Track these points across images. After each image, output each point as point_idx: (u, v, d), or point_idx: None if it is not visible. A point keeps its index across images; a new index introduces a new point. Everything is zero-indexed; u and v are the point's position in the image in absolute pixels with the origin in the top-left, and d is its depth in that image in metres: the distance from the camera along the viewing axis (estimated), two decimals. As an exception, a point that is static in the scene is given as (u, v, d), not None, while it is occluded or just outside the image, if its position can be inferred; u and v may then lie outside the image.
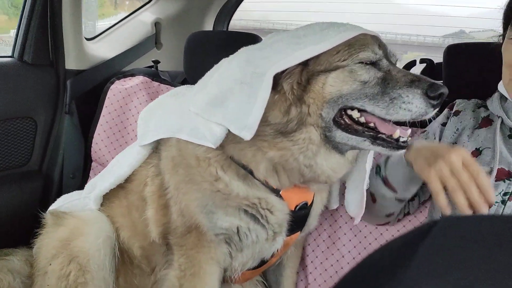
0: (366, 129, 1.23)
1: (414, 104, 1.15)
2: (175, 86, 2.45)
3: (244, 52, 1.35)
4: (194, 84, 1.59)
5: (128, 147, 1.83)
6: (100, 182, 1.74)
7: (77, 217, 1.67)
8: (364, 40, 1.23)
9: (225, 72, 1.33)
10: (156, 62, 2.67)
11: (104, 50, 2.64)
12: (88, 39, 2.57)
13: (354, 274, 0.48)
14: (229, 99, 1.24)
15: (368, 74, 1.19)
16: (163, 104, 1.69)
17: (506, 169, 1.42)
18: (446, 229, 0.45)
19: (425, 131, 1.72)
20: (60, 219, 1.71)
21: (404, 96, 1.15)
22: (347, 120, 1.23)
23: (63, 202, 1.82)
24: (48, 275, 1.61)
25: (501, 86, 1.50)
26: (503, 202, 1.39)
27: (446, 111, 1.68)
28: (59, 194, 2.29)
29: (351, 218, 1.88)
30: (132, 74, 2.48)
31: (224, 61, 1.41)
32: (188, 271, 1.43)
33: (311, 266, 1.93)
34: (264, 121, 1.20)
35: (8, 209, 2.07)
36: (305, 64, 1.22)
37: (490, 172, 1.43)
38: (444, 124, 1.64)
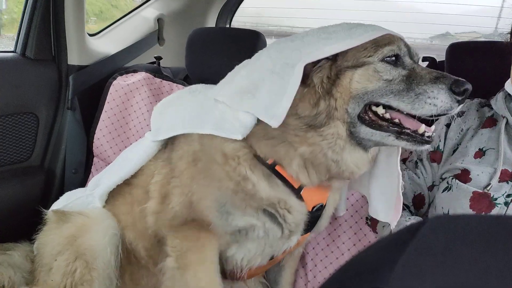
0: (391, 124, 1.24)
1: (439, 99, 1.16)
2: (177, 82, 2.45)
3: (275, 44, 1.37)
4: (195, 81, 1.59)
5: (135, 142, 1.81)
6: (106, 178, 1.73)
7: (84, 214, 1.66)
8: (390, 38, 1.25)
9: (255, 63, 1.35)
10: (159, 58, 2.67)
11: (106, 45, 2.65)
12: (90, 35, 2.58)
13: (339, 273, 0.47)
14: (259, 89, 1.25)
15: (392, 74, 1.22)
16: (180, 99, 1.68)
17: (510, 170, 1.41)
18: (435, 229, 0.45)
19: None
20: (65, 216, 1.70)
21: (429, 92, 1.17)
22: (371, 116, 1.25)
23: (66, 202, 1.80)
24: (53, 270, 1.60)
25: (508, 85, 1.47)
26: (506, 204, 1.38)
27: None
28: (61, 190, 2.30)
29: (351, 216, 1.88)
30: (134, 70, 2.48)
31: (250, 60, 1.42)
32: (188, 249, 1.40)
33: (311, 263, 1.93)
34: (293, 114, 1.23)
35: (9, 204, 2.07)
36: (334, 59, 1.25)
37: (494, 173, 1.42)
38: (448, 125, 1.62)
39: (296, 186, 1.36)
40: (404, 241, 0.43)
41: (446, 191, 1.53)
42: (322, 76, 1.24)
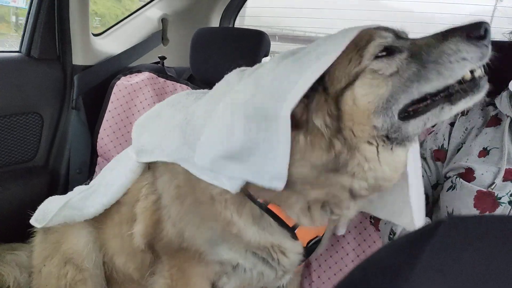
0: (433, 97, 1.01)
1: (463, 50, 0.96)
2: (181, 82, 2.46)
3: (249, 85, 1.13)
4: (199, 80, 1.57)
5: (116, 158, 1.72)
6: (90, 206, 1.62)
7: (67, 224, 1.67)
8: (367, 34, 1.06)
9: (232, 109, 1.10)
10: (163, 58, 2.68)
11: (111, 45, 2.65)
12: (95, 35, 2.58)
13: (358, 272, 0.48)
14: (251, 154, 1.04)
15: (395, 63, 1.01)
16: (161, 115, 1.56)
17: None
18: (452, 228, 0.45)
19: (433, 131, 1.71)
20: (52, 223, 1.69)
21: (447, 50, 0.96)
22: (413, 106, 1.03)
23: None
24: (45, 275, 1.64)
25: None
26: (510, 203, 1.38)
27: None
28: (65, 189, 2.31)
29: (355, 215, 1.88)
30: (138, 70, 2.49)
31: (231, 82, 1.25)
32: (180, 281, 1.38)
33: (315, 263, 1.92)
34: (306, 166, 1.06)
35: (14, 203, 2.08)
36: (323, 90, 1.06)
37: (498, 172, 1.42)
38: (452, 124, 1.62)
39: (290, 225, 1.23)
40: (423, 241, 0.43)
41: (451, 190, 1.53)
42: (323, 115, 1.04)
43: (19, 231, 1.85)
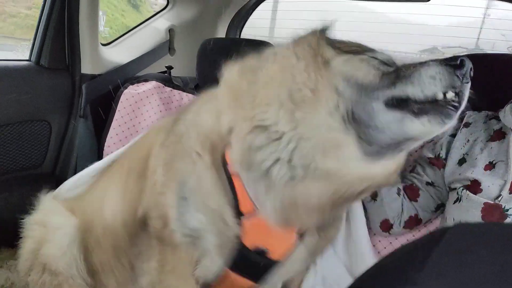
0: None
1: (434, 71, 0.99)
2: (187, 91, 2.48)
3: None
4: (205, 89, 1.55)
5: None
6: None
7: (43, 226, 1.69)
8: None
9: None
10: (169, 67, 2.71)
11: (119, 55, 2.69)
12: (103, 44, 2.62)
13: (367, 275, 0.49)
14: None
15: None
16: None
17: None
18: (459, 235, 0.46)
19: (432, 141, 1.72)
20: (28, 231, 1.73)
21: (421, 70, 1.00)
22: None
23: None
24: (30, 284, 1.64)
25: None
26: None
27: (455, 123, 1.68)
28: (71, 196, 2.32)
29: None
30: (145, 79, 2.52)
31: None
32: (166, 267, 1.35)
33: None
34: None
35: (20, 210, 2.08)
36: None
37: (504, 185, 1.43)
38: (453, 136, 1.64)
39: (243, 210, 1.14)
40: (430, 245, 0.44)
41: (457, 202, 1.54)
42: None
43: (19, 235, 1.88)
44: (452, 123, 1.01)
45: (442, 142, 1.67)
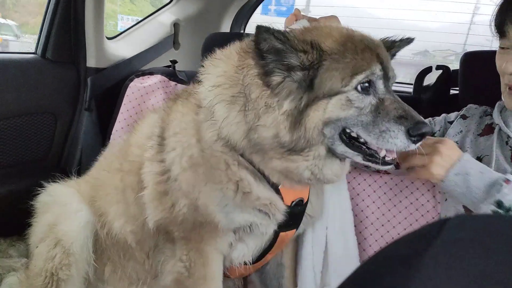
0: (360, 144, 1.35)
1: (398, 139, 1.28)
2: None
3: None
4: None
5: None
6: None
7: (62, 205, 1.77)
8: (367, 62, 1.29)
9: None
10: (174, 62, 2.72)
11: (124, 49, 2.71)
12: (108, 38, 2.63)
13: (371, 262, 0.50)
14: None
15: (364, 102, 1.30)
16: None
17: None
18: (459, 225, 0.48)
19: (434, 119, 1.80)
20: (48, 206, 1.81)
21: (391, 131, 1.28)
22: (346, 137, 1.36)
23: None
24: (35, 256, 1.71)
25: (504, 94, 1.55)
26: (498, 206, 1.42)
27: (457, 113, 1.76)
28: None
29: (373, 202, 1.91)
30: (150, 72, 2.53)
31: None
32: (198, 261, 1.51)
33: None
34: (275, 135, 1.31)
35: (27, 201, 2.11)
36: (310, 87, 1.28)
37: None
38: (450, 122, 1.74)
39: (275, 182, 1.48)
40: (431, 235, 0.46)
41: (446, 200, 1.66)
42: (293, 105, 1.28)
43: (26, 226, 1.91)
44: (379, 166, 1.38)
45: (441, 125, 1.76)
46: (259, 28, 1.21)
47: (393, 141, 1.28)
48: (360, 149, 1.35)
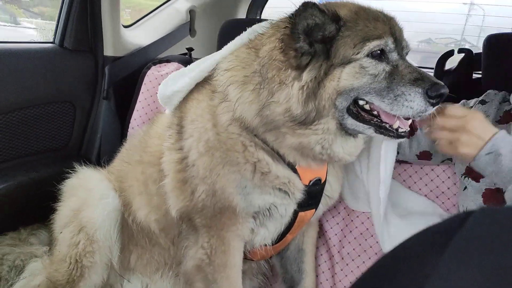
0: (372, 117, 1.34)
1: (415, 103, 1.25)
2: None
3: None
4: None
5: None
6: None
7: (88, 190, 1.79)
8: (379, 32, 1.30)
9: None
10: (190, 49, 2.71)
11: (140, 37, 2.71)
12: (125, 26, 2.64)
13: (387, 258, 0.49)
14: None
15: (377, 68, 1.29)
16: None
17: None
18: (481, 219, 0.46)
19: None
20: (75, 189, 1.84)
21: (406, 94, 1.26)
22: (358, 109, 1.35)
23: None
24: (59, 242, 1.75)
25: None
26: None
27: (476, 99, 1.72)
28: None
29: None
30: (167, 60, 2.53)
31: None
32: (219, 248, 1.54)
33: (338, 256, 1.94)
34: (287, 110, 1.34)
35: (46, 188, 2.15)
36: (327, 57, 1.31)
37: None
38: (470, 108, 1.68)
39: (291, 161, 1.50)
40: (451, 230, 0.44)
41: (464, 190, 1.60)
42: (313, 75, 1.30)
43: (47, 213, 1.95)
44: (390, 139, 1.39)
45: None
46: (307, 4, 1.25)
47: (409, 104, 1.25)
48: (370, 122, 1.34)
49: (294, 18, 1.28)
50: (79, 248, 1.67)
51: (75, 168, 1.94)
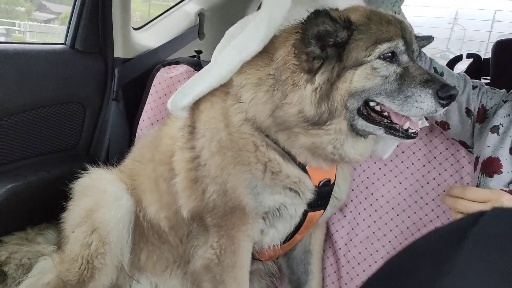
0: (382, 118, 1.37)
1: (425, 103, 1.27)
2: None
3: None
4: None
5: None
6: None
7: (102, 191, 1.81)
8: (390, 34, 1.33)
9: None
10: (199, 52, 2.73)
11: (149, 39, 2.73)
12: (135, 29, 2.66)
13: (404, 255, 0.50)
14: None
15: (388, 70, 1.32)
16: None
17: None
18: (495, 218, 0.46)
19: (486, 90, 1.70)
20: (88, 189, 1.85)
21: (417, 95, 1.28)
22: (368, 110, 1.37)
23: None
24: (71, 241, 1.76)
25: None
26: None
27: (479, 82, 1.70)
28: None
29: (387, 202, 1.89)
30: (177, 62, 2.55)
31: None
32: (228, 248, 1.55)
33: (344, 259, 1.94)
34: (300, 111, 1.37)
35: (55, 187, 2.17)
36: (339, 60, 1.34)
37: None
38: (504, 102, 1.62)
39: (302, 162, 1.52)
40: (466, 228, 0.45)
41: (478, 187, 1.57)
42: (325, 77, 1.33)
43: (56, 212, 1.97)
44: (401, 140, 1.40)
45: (495, 102, 1.63)
46: (318, 12, 1.27)
47: (419, 105, 1.28)
48: (380, 123, 1.36)
49: (305, 24, 1.30)
50: (91, 249, 1.68)
51: (84, 168, 1.96)
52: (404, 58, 1.35)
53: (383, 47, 1.31)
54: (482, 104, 1.65)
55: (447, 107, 1.30)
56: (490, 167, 1.48)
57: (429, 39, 1.59)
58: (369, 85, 1.32)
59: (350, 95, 1.33)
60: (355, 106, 1.35)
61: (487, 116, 1.63)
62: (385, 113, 1.36)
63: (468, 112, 1.66)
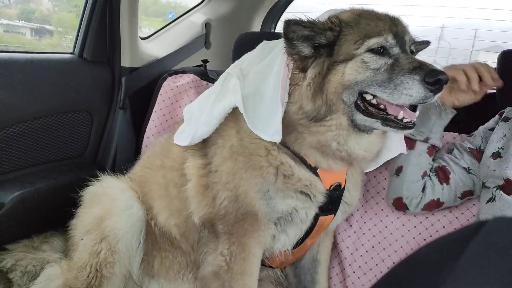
0: (378, 111, 1.38)
1: (413, 90, 1.28)
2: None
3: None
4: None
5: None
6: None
7: (113, 199, 1.80)
8: (379, 29, 1.37)
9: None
10: (205, 61, 2.75)
11: (156, 49, 2.76)
12: (142, 38, 2.69)
13: (404, 264, 0.50)
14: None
15: (379, 62, 1.35)
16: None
17: None
18: (496, 229, 0.47)
19: (472, 135, 1.76)
20: (98, 197, 1.84)
21: (405, 83, 1.29)
22: (365, 104, 1.39)
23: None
24: (80, 248, 1.75)
25: None
26: None
27: (496, 117, 1.70)
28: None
29: (393, 212, 1.88)
30: (183, 71, 2.57)
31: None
32: (239, 255, 1.56)
33: (350, 258, 1.94)
34: (299, 108, 1.42)
35: (62, 195, 2.19)
36: (330, 54, 1.39)
37: None
38: (492, 129, 1.67)
39: (313, 165, 1.54)
40: (467, 238, 0.45)
41: (490, 202, 1.56)
42: (316, 71, 1.39)
43: (62, 220, 1.98)
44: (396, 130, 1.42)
45: (482, 135, 1.69)
46: (288, 21, 1.34)
47: (407, 92, 1.28)
48: (377, 115, 1.38)
49: (284, 33, 1.37)
50: (100, 258, 1.68)
51: (92, 175, 1.97)
52: (395, 50, 1.37)
53: (372, 42, 1.35)
54: (471, 147, 1.71)
55: (439, 94, 1.30)
56: (505, 188, 1.49)
57: (426, 43, 1.62)
58: (360, 78, 1.35)
59: (343, 88, 1.37)
60: (351, 100, 1.38)
61: (483, 149, 1.67)
62: (381, 106, 1.38)
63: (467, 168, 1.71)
